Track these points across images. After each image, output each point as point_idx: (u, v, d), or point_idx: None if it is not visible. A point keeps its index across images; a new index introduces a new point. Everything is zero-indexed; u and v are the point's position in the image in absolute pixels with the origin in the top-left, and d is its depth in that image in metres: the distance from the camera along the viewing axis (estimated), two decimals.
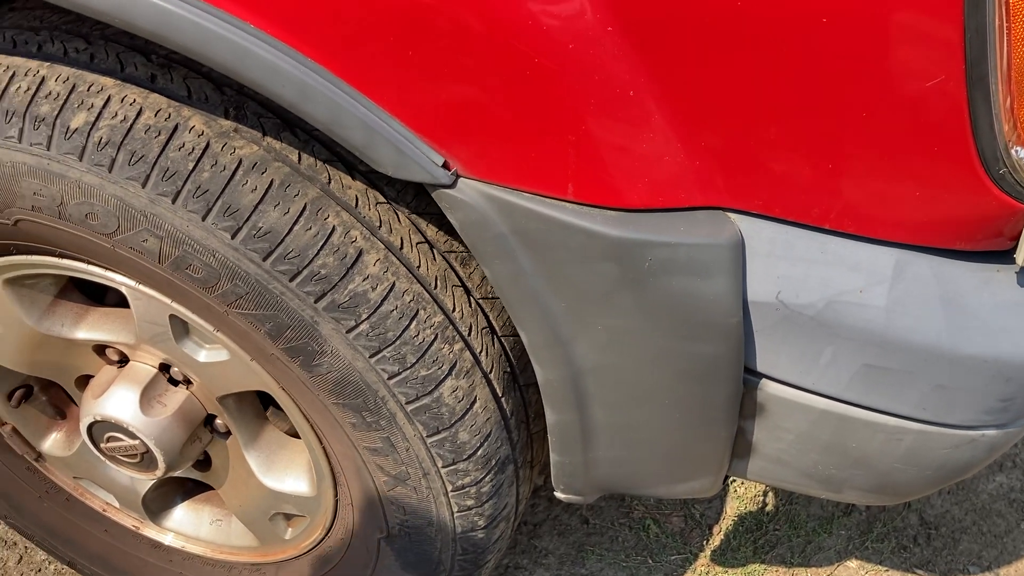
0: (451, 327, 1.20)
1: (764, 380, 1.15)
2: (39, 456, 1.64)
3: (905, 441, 1.16)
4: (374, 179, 1.18)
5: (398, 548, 1.38)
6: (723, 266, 1.02)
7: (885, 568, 2.05)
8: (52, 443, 1.61)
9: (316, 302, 1.12)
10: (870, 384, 1.10)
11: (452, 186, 1.02)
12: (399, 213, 1.19)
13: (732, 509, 2.12)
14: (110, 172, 1.09)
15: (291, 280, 1.11)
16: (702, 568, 2.01)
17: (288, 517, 1.53)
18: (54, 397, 1.61)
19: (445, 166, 1.01)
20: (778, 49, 0.93)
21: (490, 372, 1.24)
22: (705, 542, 2.06)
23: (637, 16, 0.91)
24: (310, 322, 1.13)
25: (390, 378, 1.16)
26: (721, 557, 2.03)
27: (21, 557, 1.86)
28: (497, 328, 1.27)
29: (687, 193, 1.01)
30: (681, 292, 1.03)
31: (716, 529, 2.09)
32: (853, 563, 2.05)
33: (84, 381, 1.49)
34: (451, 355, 1.19)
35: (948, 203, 1.01)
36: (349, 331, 1.13)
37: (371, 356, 1.15)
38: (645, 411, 1.17)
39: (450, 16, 0.92)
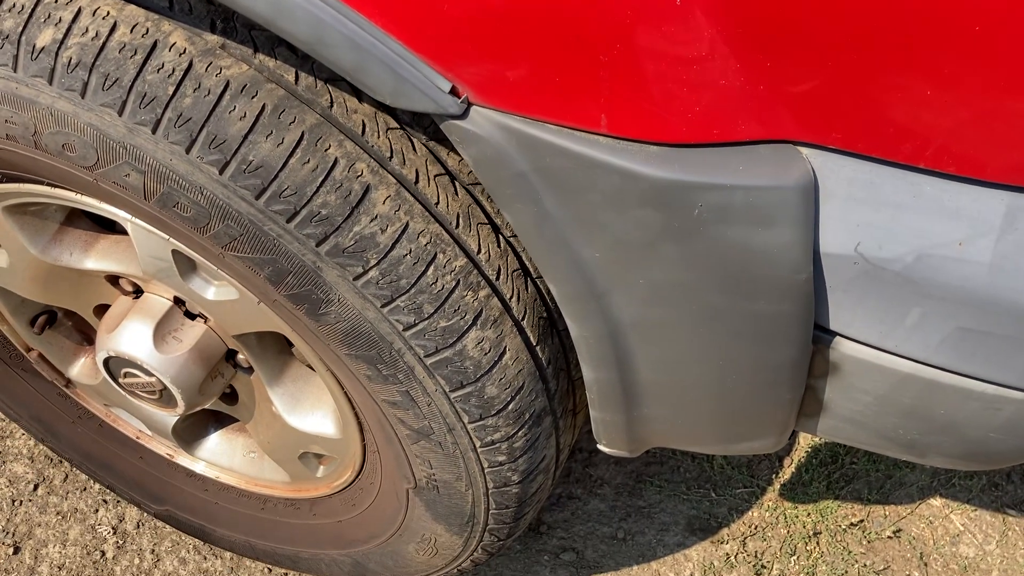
0: (476, 271, 1.05)
1: (838, 338, 0.98)
2: (69, 382, 1.58)
3: (1005, 411, 0.98)
4: None
5: (427, 500, 1.28)
6: (790, 213, 0.84)
7: (973, 507, 1.89)
8: (79, 370, 1.55)
9: (318, 246, 0.98)
10: (965, 349, 0.92)
11: (463, 116, 0.86)
12: (414, 140, 1.03)
13: (805, 439, 1.97)
14: (83, 98, 0.95)
15: (288, 221, 0.97)
16: (769, 503, 1.88)
17: (320, 455, 1.45)
18: (79, 323, 1.53)
19: (453, 92, 0.84)
20: None
21: (522, 319, 1.10)
22: (774, 475, 1.92)
23: None
24: (312, 268, 1.00)
25: (405, 329, 1.03)
26: (791, 492, 1.90)
27: (67, 476, 1.84)
28: (531, 269, 1.12)
29: (747, 124, 0.83)
30: (738, 244, 0.86)
31: (787, 461, 1.95)
32: (937, 501, 1.89)
33: (103, 309, 1.40)
34: (475, 303, 1.05)
35: None
36: (356, 278, 1.00)
37: (383, 306, 1.02)
38: (696, 371, 1.02)
39: None
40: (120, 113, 0.95)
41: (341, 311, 1.03)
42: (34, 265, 1.31)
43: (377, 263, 0.99)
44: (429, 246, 1.01)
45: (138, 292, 1.34)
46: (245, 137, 0.95)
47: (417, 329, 1.03)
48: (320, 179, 0.96)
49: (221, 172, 0.95)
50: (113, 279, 1.34)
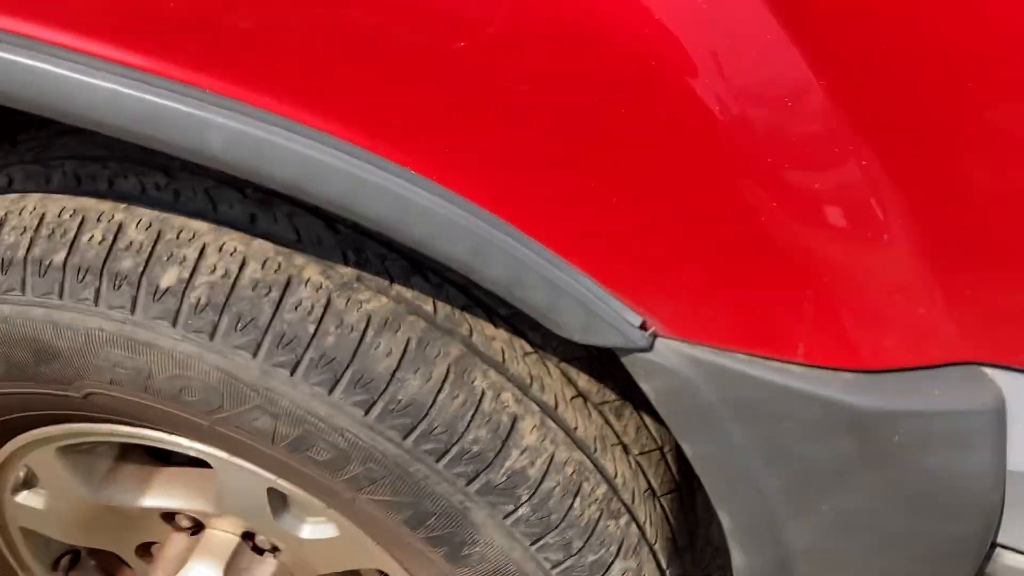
0: (615, 498, 1.00)
1: (999, 550, 0.96)
2: None
3: None
4: (517, 324, 0.98)
5: None
6: (986, 436, 0.83)
7: None
8: None
9: (468, 485, 0.91)
10: None
11: (648, 349, 0.83)
12: (548, 364, 0.99)
13: None
14: (212, 340, 0.88)
15: (438, 461, 0.90)
16: None
17: None
18: (104, 561, 1.38)
19: (643, 327, 0.82)
20: None
21: (655, 543, 1.05)
22: None
23: (895, 146, 0.73)
24: (460, 508, 0.93)
25: (553, 567, 0.96)
26: None
27: None
28: (656, 487, 1.07)
29: (940, 348, 0.82)
30: (935, 469, 0.84)
31: None
32: None
33: (145, 547, 1.27)
34: (618, 532, 0.99)
35: None
36: (507, 516, 0.93)
37: (532, 544, 0.95)
38: None
39: (638, 161, 0.74)
40: (254, 355, 0.88)
41: (486, 552, 0.96)
42: (80, 507, 1.19)
43: (528, 498, 0.93)
44: (575, 475, 0.96)
45: (194, 528, 1.22)
46: (393, 374, 0.89)
47: (565, 566, 0.96)
48: (470, 413, 0.91)
49: (367, 413, 0.89)
50: (169, 515, 1.22)
